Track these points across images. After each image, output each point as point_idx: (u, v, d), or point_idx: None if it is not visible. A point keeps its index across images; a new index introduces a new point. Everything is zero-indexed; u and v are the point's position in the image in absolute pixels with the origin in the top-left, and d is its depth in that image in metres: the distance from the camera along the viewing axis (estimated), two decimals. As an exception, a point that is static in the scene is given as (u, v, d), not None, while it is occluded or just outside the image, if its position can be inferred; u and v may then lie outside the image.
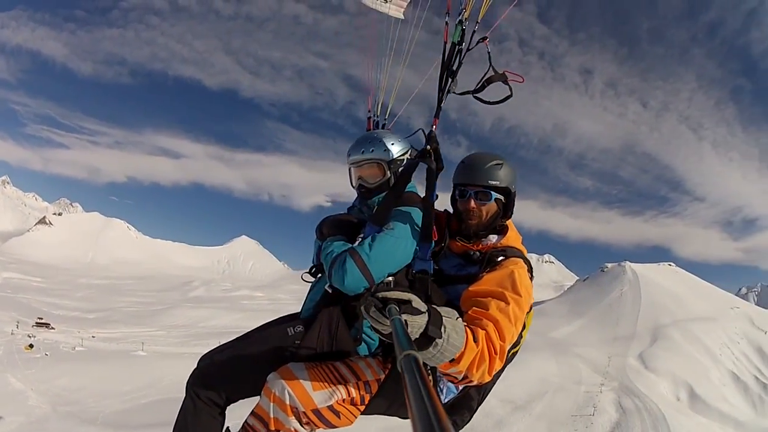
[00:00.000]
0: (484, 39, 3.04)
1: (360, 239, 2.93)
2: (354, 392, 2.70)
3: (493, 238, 3.01)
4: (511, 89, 3.03)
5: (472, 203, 2.92)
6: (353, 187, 3.36)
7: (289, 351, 2.86)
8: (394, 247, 2.82)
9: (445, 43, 3.06)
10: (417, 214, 2.96)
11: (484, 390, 3.04)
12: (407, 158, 3.26)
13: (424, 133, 3.15)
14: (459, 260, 2.97)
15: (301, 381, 2.63)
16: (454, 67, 3.05)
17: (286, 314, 3.42)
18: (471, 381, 2.43)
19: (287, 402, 2.56)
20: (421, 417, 0.77)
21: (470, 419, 3.07)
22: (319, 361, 2.80)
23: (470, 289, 2.70)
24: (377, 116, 4.15)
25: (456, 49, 3.03)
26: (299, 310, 3.31)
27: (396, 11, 4.55)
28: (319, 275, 3.22)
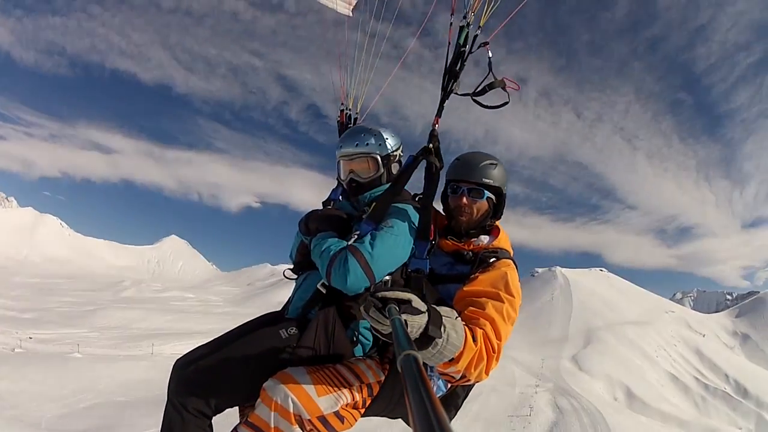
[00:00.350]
0: (485, 44, 3.01)
1: (355, 236, 2.78)
2: (357, 395, 2.59)
3: (484, 239, 3.01)
4: (508, 96, 2.98)
5: (464, 199, 2.92)
6: (341, 180, 3.25)
7: (285, 354, 2.66)
8: (396, 246, 2.73)
9: (449, 44, 3.01)
10: (412, 212, 2.89)
11: (469, 388, 3.00)
12: (399, 155, 3.19)
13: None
14: (449, 259, 2.94)
15: (304, 387, 2.45)
16: (457, 68, 2.99)
17: (266, 313, 3.21)
18: (468, 380, 2.42)
19: (291, 410, 2.37)
20: (422, 417, 0.76)
21: (455, 416, 3.01)
22: (320, 365, 2.65)
23: (465, 288, 2.69)
24: (349, 109, 4.07)
25: (459, 51, 2.98)
26: (280, 309, 3.17)
27: (344, 8, 4.52)
28: (306, 273, 3.02)
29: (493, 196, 3.06)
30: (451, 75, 2.98)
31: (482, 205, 3.02)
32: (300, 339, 2.66)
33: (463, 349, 2.15)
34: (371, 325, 2.00)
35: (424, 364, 2.17)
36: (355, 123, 4.00)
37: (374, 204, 2.94)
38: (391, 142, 3.15)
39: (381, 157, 3.10)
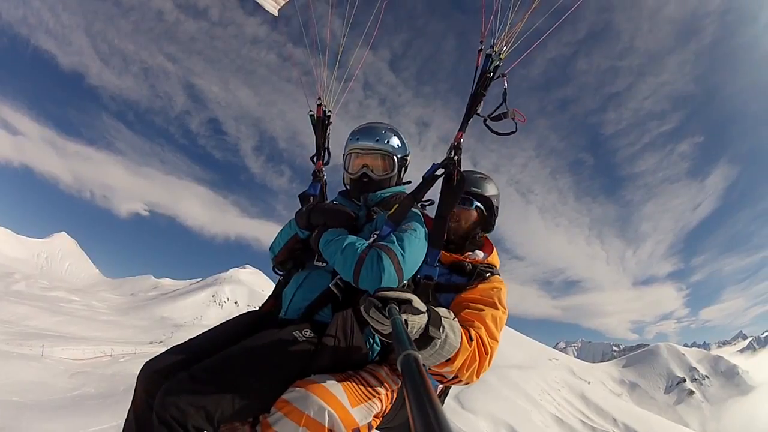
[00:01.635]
0: (503, 75, 3.11)
1: (375, 236, 2.70)
2: (383, 404, 2.44)
3: (479, 254, 3.09)
4: (516, 126, 3.08)
5: (445, 228, 2.95)
6: (350, 173, 3.14)
7: (303, 359, 2.38)
8: (420, 249, 2.67)
9: (477, 68, 3.12)
10: (422, 218, 2.87)
11: (448, 389, 3.15)
12: (408, 160, 3.26)
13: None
14: (446, 269, 2.97)
15: (338, 397, 2.21)
16: (483, 91, 3.09)
17: (245, 313, 3.01)
18: (460, 381, 2.47)
19: (326, 424, 2.12)
20: (422, 417, 0.76)
21: None
22: (346, 372, 2.46)
23: (462, 296, 2.78)
24: (325, 105, 3.88)
25: (484, 77, 3.09)
26: (257, 309, 3.11)
27: (272, 8, 4.50)
28: (307, 271, 2.90)
29: (482, 207, 3.25)
30: (477, 96, 3.07)
31: (471, 214, 3.21)
32: (319, 342, 2.45)
33: (459, 349, 2.21)
34: (371, 325, 1.99)
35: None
36: (329, 120, 3.86)
37: (396, 205, 2.85)
38: (404, 145, 3.18)
39: (398, 158, 3.11)
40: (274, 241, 3.16)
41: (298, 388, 2.22)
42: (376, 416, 2.39)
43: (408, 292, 2.00)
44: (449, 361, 2.21)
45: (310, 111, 3.84)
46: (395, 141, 3.14)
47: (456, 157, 2.98)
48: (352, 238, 2.63)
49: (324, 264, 2.82)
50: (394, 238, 2.60)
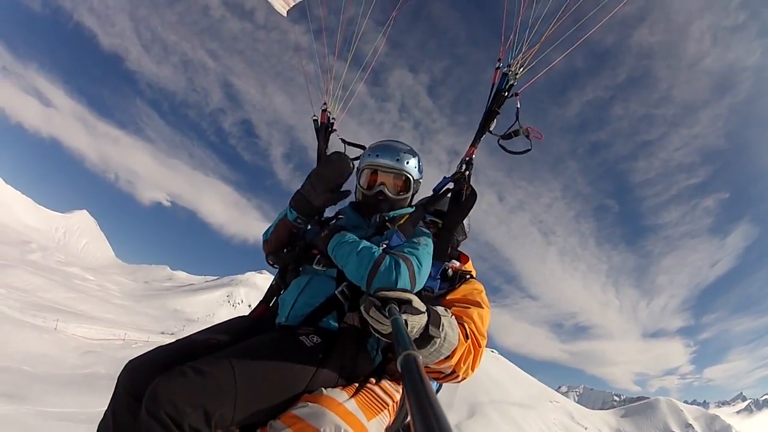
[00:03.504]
0: (516, 94, 3.14)
1: (384, 245, 2.62)
2: (391, 416, 2.34)
3: (455, 262, 3.10)
4: (531, 144, 3.09)
5: (451, 242, 3.02)
6: (364, 189, 3.04)
7: (311, 367, 2.20)
8: (430, 264, 2.62)
9: (493, 85, 3.18)
10: (431, 235, 2.85)
11: (440, 387, 3.06)
12: (421, 183, 3.20)
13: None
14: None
15: (354, 413, 2.10)
16: (497, 108, 3.13)
17: (238, 317, 2.87)
18: (457, 376, 2.48)
19: None
20: (422, 417, 0.75)
21: None
22: (353, 384, 2.33)
23: (447, 297, 2.80)
24: (330, 112, 3.78)
25: (499, 95, 3.13)
26: (249, 314, 3.03)
27: (281, 7, 4.44)
28: (309, 276, 2.76)
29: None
30: (491, 114, 3.12)
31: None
32: (328, 350, 2.32)
33: (457, 345, 2.25)
34: (371, 325, 1.98)
35: None
36: (332, 126, 3.75)
37: (407, 216, 2.90)
38: (420, 169, 3.13)
39: (413, 181, 3.06)
40: (268, 228, 3.11)
41: (310, 404, 2.05)
42: (389, 429, 2.32)
43: (408, 293, 2.03)
44: (448, 357, 2.25)
45: (314, 116, 3.76)
46: (414, 163, 3.07)
47: (467, 173, 3.03)
48: (365, 242, 2.56)
49: (324, 268, 2.72)
50: (407, 249, 2.56)
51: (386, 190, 2.97)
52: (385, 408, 2.26)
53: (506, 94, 3.12)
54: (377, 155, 3.04)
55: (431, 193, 3.13)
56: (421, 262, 2.49)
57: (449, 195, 3.05)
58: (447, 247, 2.90)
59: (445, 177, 3.09)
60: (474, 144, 3.12)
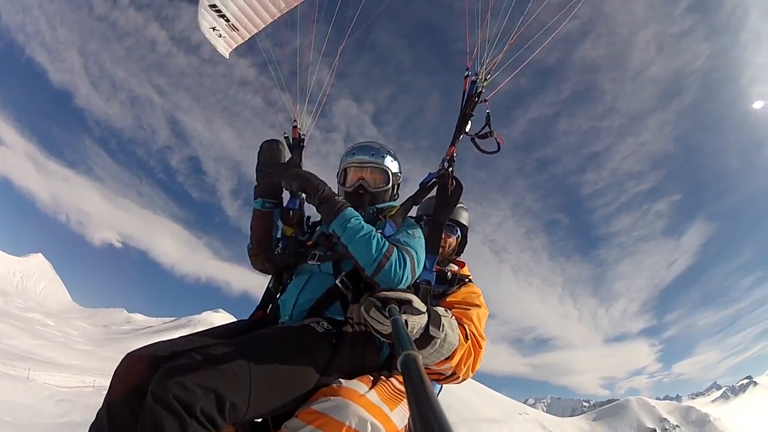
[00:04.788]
0: (485, 101, 3.31)
1: (380, 233, 2.58)
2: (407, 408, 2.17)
3: (454, 266, 3.29)
4: (499, 146, 3.28)
5: (442, 234, 3.07)
6: (346, 187, 3.15)
7: (324, 353, 2.15)
8: (424, 252, 2.69)
9: (464, 92, 3.33)
10: (419, 226, 2.92)
11: (440, 389, 3.11)
12: (402, 178, 3.29)
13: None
14: None
15: (377, 404, 2.04)
16: (469, 112, 3.29)
17: (234, 321, 2.87)
18: (458, 377, 2.52)
19: None
20: (422, 417, 0.75)
21: None
22: (366, 375, 2.26)
23: (447, 300, 2.93)
24: (300, 128, 3.75)
25: (470, 100, 3.28)
26: (248, 318, 2.91)
27: (224, 50, 4.50)
28: (307, 275, 2.75)
29: (460, 235, 3.58)
30: (465, 117, 3.27)
31: (453, 240, 3.51)
32: (339, 336, 2.29)
33: (458, 346, 2.28)
34: (371, 325, 1.98)
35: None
36: (303, 142, 3.71)
37: (396, 208, 2.97)
38: (398, 163, 3.24)
39: (392, 173, 3.14)
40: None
41: (332, 397, 1.99)
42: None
43: (408, 293, 2.03)
44: (448, 358, 2.28)
45: (285, 133, 3.72)
46: (389, 157, 3.20)
47: (450, 168, 3.12)
48: (369, 226, 2.55)
49: (319, 263, 2.72)
50: (407, 240, 2.61)
51: (365, 184, 3.08)
52: (404, 398, 2.15)
53: (477, 99, 3.30)
54: (354, 153, 3.18)
55: (418, 188, 3.19)
56: (417, 252, 2.58)
57: (435, 189, 3.12)
58: (438, 239, 2.97)
59: (430, 173, 3.17)
60: (453, 144, 3.23)
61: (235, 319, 3.02)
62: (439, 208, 3.08)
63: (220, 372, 1.76)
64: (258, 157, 3.14)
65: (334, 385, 2.09)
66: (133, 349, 2.14)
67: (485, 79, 3.35)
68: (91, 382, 44.90)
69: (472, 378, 2.73)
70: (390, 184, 3.16)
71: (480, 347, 2.62)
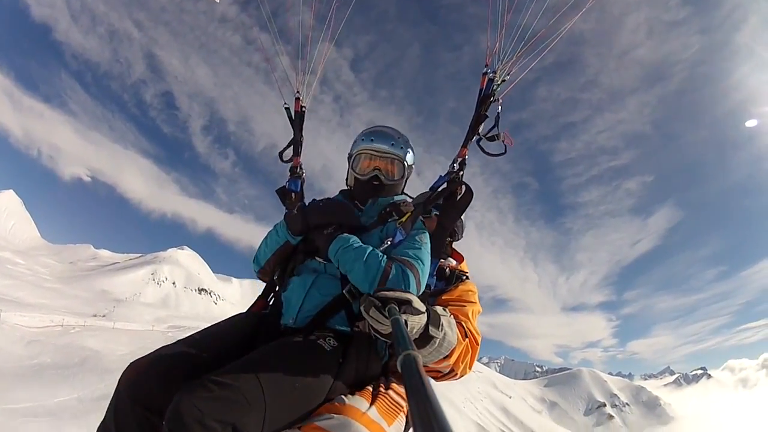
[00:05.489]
0: (497, 100, 3.22)
1: (388, 242, 2.63)
2: (404, 419, 2.28)
3: (452, 261, 3.24)
4: (506, 148, 3.17)
5: (447, 239, 3.12)
6: (358, 174, 3.03)
7: (330, 372, 2.14)
8: (429, 260, 2.65)
9: (481, 90, 3.24)
10: (427, 230, 2.84)
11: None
12: (413, 167, 3.19)
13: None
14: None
15: (376, 420, 2.07)
16: (484, 111, 3.21)
17: (235, 315, 2.71)
18: (456, 374, 2.54)
19: None
20: (422, 416, 0.76)
21: None
22: (366, 388, 2.28)
23: (443, 297, 2.88)
24: (302, 100, 3.72)
25: (485, 99, 3.21)
26: (246, 312, 2.84)
27: None
28: (313, 276, 2.65)
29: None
30: (480, 117, 3.18)
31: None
32: (345, 353, 2.29)
33: (456, 344, 2.28)
34: (371, 325, 1.98)
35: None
36: (304, 115, 3.69)
37: (408, 214, 2.81)
38: (413, 154, 3.13)
39: (407, 166, 3.06)
40: (258, 251, 2.96)
41: (335, 415, 2.00)
42: None
43: (408, 293, 2.02)
44: (447, 356, 2.28)
45: (285, 104, 3.66)
46: (407, 148, 3.09)
47: (461, 172, 3.09)
48: (370, 246, 2.52)
49: (324, 262, 2.68)
50: (414, 251, 2.56)
51: (382, 175, 2.98)
52: (401, 411, 2.25)
53: (492, 98, 3.21)
54: (372, 140, 3.02)
55: (428, 190, 3.17)
56: (424, 262, 2.53)
57: (447, 194, 3.08)
58: (443, 244, 2.96)
59: (440, 175, 3.12)
60: (465, 145, 3.16)
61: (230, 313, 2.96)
62: (446, 213, 3.06)
63: (236, 404, 1.75)
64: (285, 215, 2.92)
65: (337, 402, 2.10)
66: (137, 358, 2.11)
67: (502, 79, 3.27)
68: (60, 321, 45.03)
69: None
70: (404, 178, 3.12)
71: (477, 343, 2.63)
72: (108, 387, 21.87)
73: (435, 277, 2.93)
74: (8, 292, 75.93)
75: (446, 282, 3.06)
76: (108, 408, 2.04)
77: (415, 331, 1.99)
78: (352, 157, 3.12)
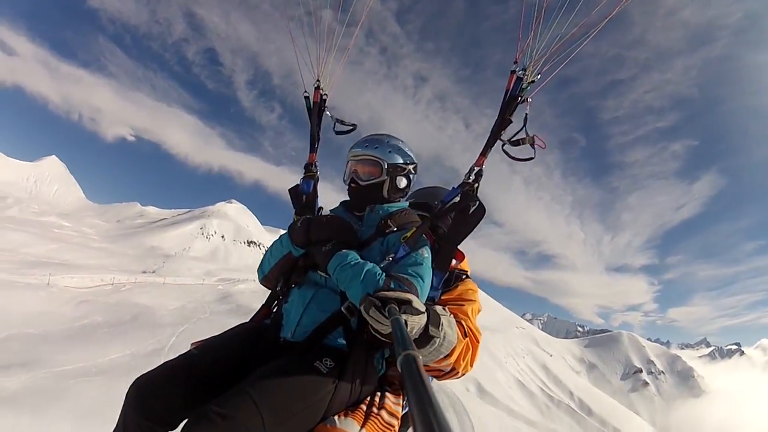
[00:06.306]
0: (526, 100, 3.00)
1: (390, 258, 2.59)
2: None
3: (453, 260, 3.10)
4: (535, 152, 2.97)
5: (454, 254, 2.99)
6: (344, 181, 3.08)
7: (326, 395, 2.16)
8: (431, 276, 2.61)
9: (507, 90, 3.02)
10: (429, 244, 2.78)
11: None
12: (409, 169, 3.06)
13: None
14: None
15: None
16: (509, 115, 3.00)
17: (237, 326, 2.76)
18: (457, 373, 2.53)
19: None
20: (422, 416, 0.75)
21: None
22: (359, 409, 2.29)
23: (443, 297, 2.85)
24: (323, 89, 3.63)
25: (512, 100, 2.99)
26: (251, 321, 2.94)
27: None
28: (313, 290, 2.66)
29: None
30: (504, 122, 2.96)
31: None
32: (340, 373, 2.27)
33: (456, 343, 2.29)
34: (370, 325, 1.99)
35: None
36: (325, 104, 3.62)
37: (413, 230, 2.71)
38: (401, 154, 3.02)
39: (388, 164, 2.95)
40: (263, 260, 2.98)
41: None
42: None
43: (408, 293, 2.03)
44: (447, 356, 2.29)
45: (306, 93, 3.59)
46: (387, 148, 3.00)
47: (476, 185, 2.94)
48: (368, 264, 2.47)
49: (325, 276, 2.66)
50: (415, 269, 2.51)
51: (357, 177, 2.97)
52: (391, 429, 2.25)
53: (519, 100, 3.01)
54: (352, 148, 3.05)
55: (441, 204, 3.03)
56: (424, 279, 2.48)
57: (458, 209, 2.93)
58: (450, 259, 2.86)
59: (453, 187, 3.01)
60: (484, 153, 2.98)
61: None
62: (455, 228, 2.87)
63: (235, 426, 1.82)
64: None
65: (329, 425, 2.13)
66: (140, 375, 2.19)
67: (531, 80, 3.00)
68: (110, 280, 46.27)
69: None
70: (383, 176, 2.95)
71: (477, 341, 2.62)
72: (161, 342, 22.36)
73: (440, 290, 2.81)
74: (56, 256, 78.24)
75: (446, 282, 2.94)
76: (117, 424, 2.14)
77: (415, 331, 2.01)
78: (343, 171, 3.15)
